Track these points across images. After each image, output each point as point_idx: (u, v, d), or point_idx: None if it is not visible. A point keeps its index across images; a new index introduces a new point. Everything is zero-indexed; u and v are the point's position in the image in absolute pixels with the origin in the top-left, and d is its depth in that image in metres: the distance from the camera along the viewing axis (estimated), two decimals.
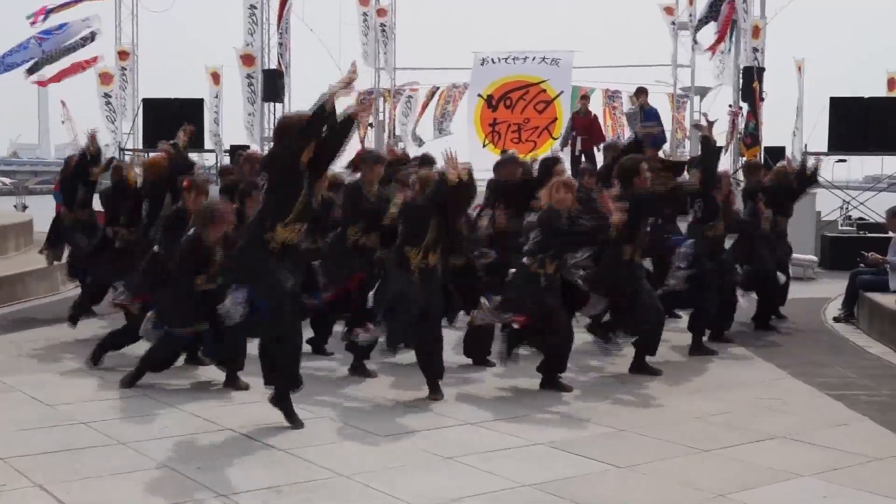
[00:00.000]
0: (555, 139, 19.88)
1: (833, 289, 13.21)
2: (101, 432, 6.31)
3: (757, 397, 7.55)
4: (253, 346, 6.79)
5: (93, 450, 5.95)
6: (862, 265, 11.57)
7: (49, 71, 17.63)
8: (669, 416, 6.90)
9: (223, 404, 7.08)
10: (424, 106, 26.54)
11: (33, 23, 16.83)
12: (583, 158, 17.41)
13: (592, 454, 5.93)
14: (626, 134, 24.53)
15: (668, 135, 22.51)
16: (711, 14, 19.87)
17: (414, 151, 25.21)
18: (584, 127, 17.60)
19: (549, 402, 7.24)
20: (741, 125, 18.95)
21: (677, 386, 7.89)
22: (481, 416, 6.83)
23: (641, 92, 18.17)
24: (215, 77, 22.53)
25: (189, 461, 5.70)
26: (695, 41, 20.70)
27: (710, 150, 9.28)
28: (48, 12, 17.09)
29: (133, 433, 6.29)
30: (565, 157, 17.92)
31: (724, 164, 18.56)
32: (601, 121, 21.33)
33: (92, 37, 17.24)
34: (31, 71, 17.25)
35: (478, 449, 6.02)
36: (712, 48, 20.11)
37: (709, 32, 20.31)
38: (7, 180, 60.96)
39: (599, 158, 18.12)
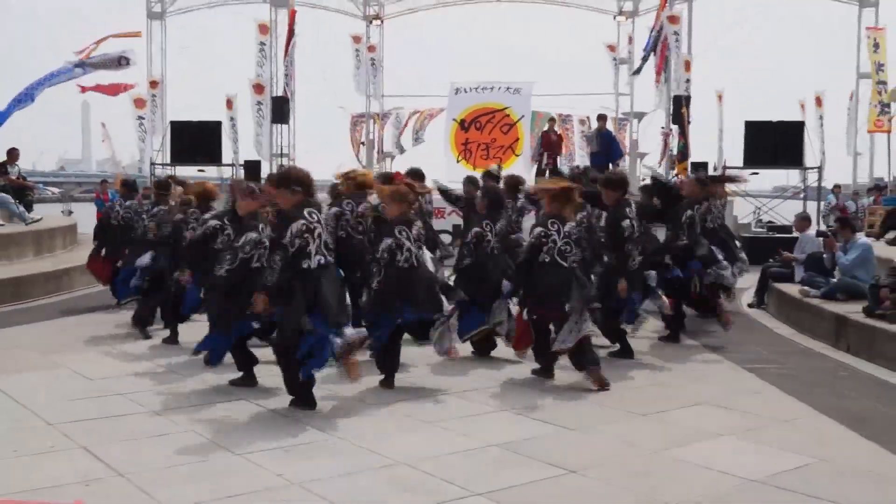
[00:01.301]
0: (517, 155, 19.93)
1: (747, 279, 13.29)
2: (136, 402, 6.27)
3: (685, 370, 7.59)
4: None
5: (129, 417, 5.92)
6: (772, 259, 11.69)
7: (88, 81, 17.33)
8: (613, 386, 6.89)
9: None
10: (406, 123, 26.69)
11: (80, 54, 16.59)
12: (547, 173, 17.56)
13: (549, 418, 5.94)
14: (577, 150, 24.72)
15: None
16: (651, 50, 19.97)
17: (398, 157, 25.52)
18: (551, 144, 17.75)
19: (514, 375, 7.25)
20: (672, 144, 19.04)
21: (619, 362, 7.91)
22: (457, 386, 6.83)
23: (602, 118, 18.31)
24: (229, 103, 22.40)
25: (210, 426, 5.66)
26: (638, 71, 20.78)
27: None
28: (97, 44, 16.88)
29: (163, 403, 6.25)
30: (529, 170, 18.06)
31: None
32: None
33: (127, 62, 17.01)
34: (72, 76, 16.91)
35: (454, 415, 6.02)
36: (657, 80, 20.24)
37: (649, 66, 20.47)
38: (55, 189, 60.37)
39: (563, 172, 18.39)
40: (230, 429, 5.63)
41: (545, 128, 18.52)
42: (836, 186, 21.76)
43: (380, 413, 6.08)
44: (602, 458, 5.15)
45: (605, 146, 17.59)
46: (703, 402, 6.46)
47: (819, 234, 10.90)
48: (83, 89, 18.43)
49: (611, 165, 17.10)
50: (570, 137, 24.84)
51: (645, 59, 20.30)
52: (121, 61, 16.48)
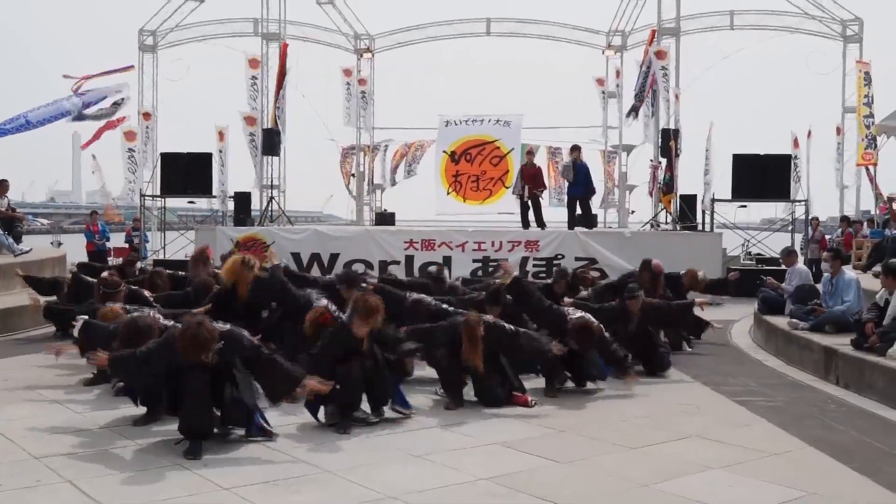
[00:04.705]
0: (507, 188, 19.99)
1: (737, 312, 13.34)
2: (122, 436, 6.22)
3: (675, 402, 7.59)
4: None
5: (115, 451, 5.87)
6: (763, 289, 11.76)
7: (87, 133, 17.65)
8: (602, 419, 6.91)
9: None
10: (399, 156, 26.88)
11: (75, 90, 16.65)
12: (529, 203, 17.62)
13: (538, 451, 5.93)
14: (565, 183, 24.83)
15: (601, 186, 22.88)
16: (641, 90, 20.09)
17: (388, 189, 25.83)
18: (531, 176, 17.77)
19: (502, 409, 7.23)
20: (660, 177, 19.15)
21: (607, 394, 7.91)
22: (446, 420, 6.81)
23: (575, 149, 18.35)
24: (220, 134, 22.46)
25: (198, 460, 5.62)
26: (632, 112, 20.79)
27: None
28: (86, 79, 16.99)
29: (150, 437, 6.21)
30: (517, 203, 18.12)
31: (647, 208, 18.80)
32: (545, 172, 21.61)
33: (122, 102, 17.23)
34: (75, 119, 17.02)
35: (443, 448, 6.00)
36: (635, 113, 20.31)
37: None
38: (45, 221, 60.24)
39: (543, 203, 18.48)
40: (218, 462, 5.59)
41: (524, 161, 18.63)
42: (815, 219, 22.07)
43: (368, 446, 6.06)
44: (592, 492, 5.13)
45: (583, 177, 17.68)
46: (691, 434, 6.46)
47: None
48: (84, 145, 18.75)
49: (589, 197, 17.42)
50: (560, 171, 24.95)
51: (637, 97, 20.41)
52: (117, 105, 16.74)
